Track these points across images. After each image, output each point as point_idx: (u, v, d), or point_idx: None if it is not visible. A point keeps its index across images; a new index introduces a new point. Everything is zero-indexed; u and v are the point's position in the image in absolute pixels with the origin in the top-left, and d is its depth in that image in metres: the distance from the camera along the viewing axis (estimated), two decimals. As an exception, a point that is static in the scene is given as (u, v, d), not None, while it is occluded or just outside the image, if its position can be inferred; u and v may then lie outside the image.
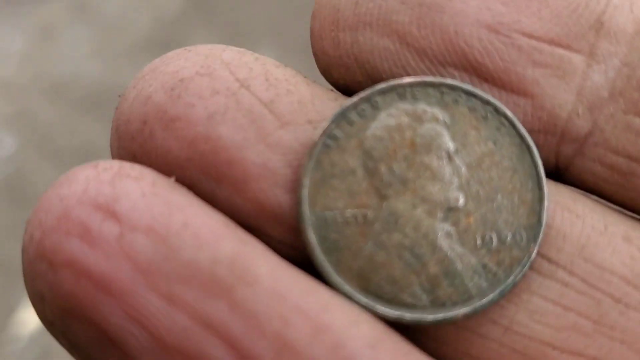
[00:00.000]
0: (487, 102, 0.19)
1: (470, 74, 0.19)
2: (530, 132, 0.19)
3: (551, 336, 0.18)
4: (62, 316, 0.17)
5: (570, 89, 0.19)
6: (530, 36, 0.19)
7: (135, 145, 0.18)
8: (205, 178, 0.18)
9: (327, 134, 0.18)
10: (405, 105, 0.19)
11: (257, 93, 0.18)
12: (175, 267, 0.16)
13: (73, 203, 0.17)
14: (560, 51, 0.19)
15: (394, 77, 0.19)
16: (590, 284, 0.18)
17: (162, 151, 0.18)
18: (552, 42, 0.19)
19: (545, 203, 0.18)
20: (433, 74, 0.19)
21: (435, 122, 0.19)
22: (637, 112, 0.19)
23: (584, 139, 0.19)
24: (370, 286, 0.18)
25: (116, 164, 0.18)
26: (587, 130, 0.19)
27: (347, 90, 0.20)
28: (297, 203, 0.18)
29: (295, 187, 0.18)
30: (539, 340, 0.18)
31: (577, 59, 0.19)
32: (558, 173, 0.20)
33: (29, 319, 0.90)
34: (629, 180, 0.19)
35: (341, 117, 0.18)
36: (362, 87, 0.19)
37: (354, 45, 0.19)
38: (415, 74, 0.19)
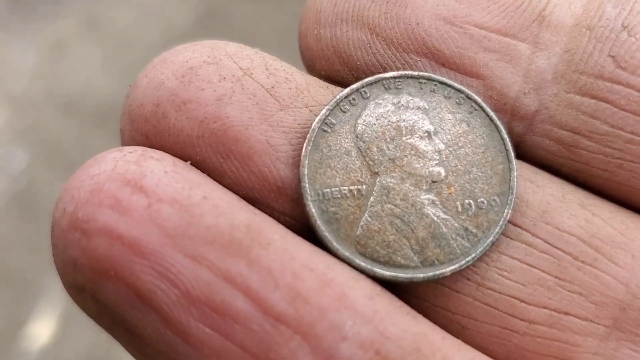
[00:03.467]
0: (459, 90, 0.22)
1: (429, 59, 0.22)
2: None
3: (518, 290, 0.21)
4: (93, 279, 0.19)
5: (517, 72, 0.22)
6: (480, 27, 0.22)
7: (148, 126, 0.21)
8: (214, 154, 0.20)
9: (323, 120, 0.21)
10: (391, 95, 0.22)
11: (259, 80, 0.21)
12: (199, 231, 0.19)
13: (104, 179, 0.19)
14: (506, 40, 0.22)
15: (366, 64, 0.22)
16: (551, 244, 0.21)
17: (175, 130, 0.21)
18: (499, 32, 0.22)
19: (514, 173, 0.21)
20: (398, 60, 0.22)
21: (417, 108, 0.22)
22: (577, 91, 0.22)
23: (532, 117, 0.22)
24: (367, 251, 0.21)
25: (139, 148, 0.20)
26: (534, 108, 0.22)
27: (328, 80, 0.23)
28: (298, 181, 0.21)
29: (295, 163, 0.21)
30: (508, 294, 0.21)
31: (522, 47, 0.22)
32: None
33: (38, 333, 0.90)
34: (574, 151, 0.22)
35: (335, 106, 0.22)
36: (340, 75, 0.23)
37: (332, 39, 0.22)
38: (384, 60, 0.22)
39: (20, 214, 1.00)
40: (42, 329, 0.91)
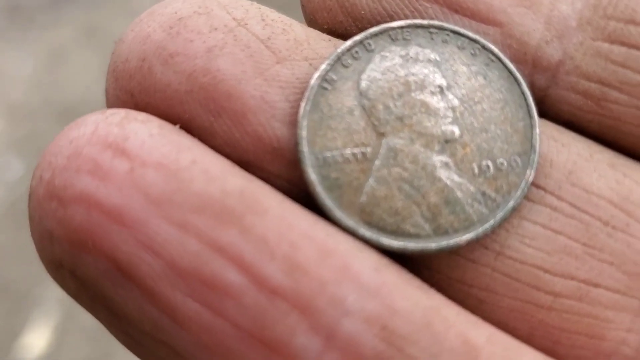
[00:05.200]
0: (474, 40, 0.20)
1: (441, 5, 0.20)
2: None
3: (542, 260, 0.19)
4: (72, 252, 0.17)
5: (538, 18, 0.20)
6: None
7: (133, 83, 0.19)
8: (204, 111, 0.19)
9: (323, 77, 0.19)
10: (398, 47, 0.20)
11: (254, 31, 0.19)
12: (187, 197, 0.17)
13: (83, 143, 0.17)
14: None
15: (371, 13, 0.20)
16: (578, 207, 0.19)
17: (161, 86, 0.19)
18: None
19: (537, 130, 0.19)
20: (407, 7, 0.20)
21: (427, 61, 0.20)
22: (605, 38, 0.20)
23: (555, 68, 0.20)
24: (373, 219, 0.18)
25: (122, 110, 0.18)
26: (557, 58, 0.20)
27: (330, 33, 0.21)
28: (296, 144, 0.19)
29: (293, 121, 0.19)
30: (531, 264, 0.19)
31: None
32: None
33: (34, 344, 0.88)
34: (603, 106, 0.20)
35: (336, 60, 0.19)
36: (343, 27, 0.21)
37: None
38: (391, 8, 0.20)
39: (16, 224, 0.99)
40: (37, 340, 0.90)
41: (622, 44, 0.19)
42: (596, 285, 0.18)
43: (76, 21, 1.18)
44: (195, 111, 0.19)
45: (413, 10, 0.20)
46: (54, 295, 0.90)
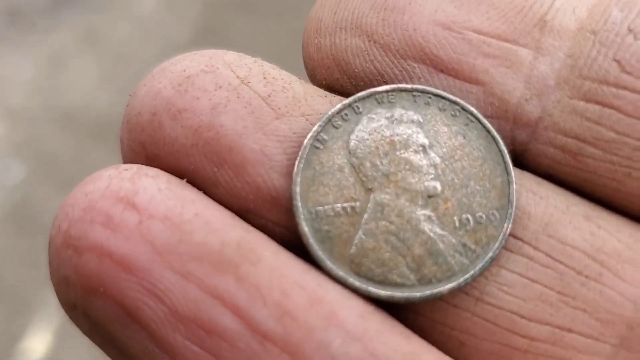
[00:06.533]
0: (454, 102, 0.21)
1: (427, 66, 0.21)
2: (485, 118, 0.22)
3: (519, 306, 0.20)
4: (84, 296, 0.19)
5: (518, 78, 0.21)
6: (479, 32, 0.21)
7: (145, 135, 0.21)
8: (208, 163, 0.20)
9: (315, 137, 0.21)
10: (384, 109, 0.21)
11: (255, 88, 0.21)
12: (188, 248, 0.19)
13: (97, 197, 0.19)
14: (507, 45, 0.21)
15: (364, 71, 0.22)
16: (553, 257, 0.20)
17: (170, 139, 0.20)
18: (499, 37, 0.21)
19: (513, 185, 0.21)
20: (396, 67, 0.22)
21: (411, 122, 0.21)
22: (581, 97, 0.21)
23: (535, 124, 0.21)
24: (362, 270, 0.20)
25: (135, 166, 0.20)
26: (537, 115, 0.21)
27: (328, 89, 0.23)
28: (290, 199, 0.20)
29: (290, 173, 0.20)
30: (508, 310, 0.20)
31: (524, 52, 0.21)
32: (516, 160, 0.22)
33: (34, 348, 0.89)
34: (580, 160, 0.21)
35: (327, 122, 0.21)
36: (339, 84, 0.22)
37: (332, 47, 0.22)
38: (381, 67, 0.22)
39: (16, 228, 0.99)
40: (37, 344, 0.90)
41: (597, 102, 0.21)
42: (570, 331, 0.20)
43: (76, 25, 1.18)
44: (200, 163, 0.20)
45: (402, 69, 0.22)
46: (54, 300, 0.91)
